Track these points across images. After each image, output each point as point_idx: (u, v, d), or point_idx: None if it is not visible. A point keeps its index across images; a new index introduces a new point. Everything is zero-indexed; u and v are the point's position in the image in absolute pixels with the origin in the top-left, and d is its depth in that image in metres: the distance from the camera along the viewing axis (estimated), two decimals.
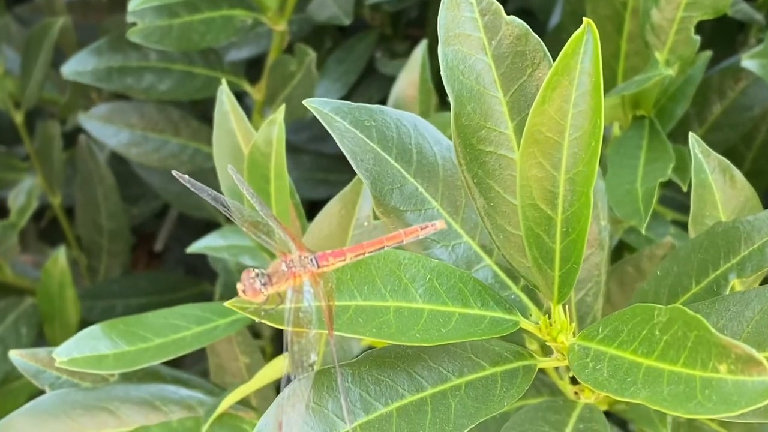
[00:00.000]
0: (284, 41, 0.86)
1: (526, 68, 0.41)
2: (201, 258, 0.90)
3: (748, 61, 0.72)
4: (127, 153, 0.89)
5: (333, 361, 0.38)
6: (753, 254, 0.47)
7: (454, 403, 0.41)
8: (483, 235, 0.47)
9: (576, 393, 0.54)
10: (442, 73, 0.41)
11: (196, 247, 0.73)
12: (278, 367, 0.58)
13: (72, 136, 0.99)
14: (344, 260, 0.40)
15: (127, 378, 0.61)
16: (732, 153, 0.81)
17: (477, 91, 0.41)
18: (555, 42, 0.79)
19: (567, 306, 0.44)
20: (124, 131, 0.89)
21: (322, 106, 0.45)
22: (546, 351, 0.49)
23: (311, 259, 0.40)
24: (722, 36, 0.90)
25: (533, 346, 0.50)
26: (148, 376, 0.61)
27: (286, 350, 0.38)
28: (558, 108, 0.38)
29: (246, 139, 0.61)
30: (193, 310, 0.60)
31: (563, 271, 0.41)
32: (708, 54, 0.76)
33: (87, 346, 0.56)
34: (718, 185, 0.53)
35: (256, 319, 0.38)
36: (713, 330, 0.35)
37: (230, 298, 0.41)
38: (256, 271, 0.39)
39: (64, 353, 0.56)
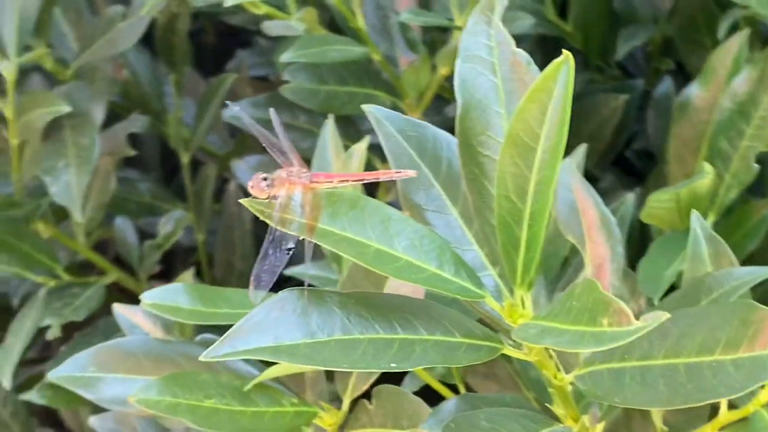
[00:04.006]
0: None
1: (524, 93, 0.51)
2: None
3: None
4: None
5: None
6: None
7: (418, 348, 0.51)
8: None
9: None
10: (455, 81, 0.52)
11: (291, 271, 0.84)
12: None
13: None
14: (332, 182, 0.51)
15: (201, 345, 0.72)
16: None
17: (483, 103, 0.52)
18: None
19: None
20: None
21: (376, 111, 0.56)
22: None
23: (307, 175, 0.51)
24: None
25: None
26: None
27: (270, 236, 0.49)
28: (535, 118, 0.48)
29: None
30: None
31: (526, 258, 0.50)
32: None
33: (169, 297, 0.68)
34: (711, 258, 0.61)
35: (260, 217, 0.49)
36: (602, 289, 0.44)
37: None
38: (264, 175, 0.50)
39: (149, 298, 0.68)
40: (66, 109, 0.88)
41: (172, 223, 1.07)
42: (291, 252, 0.49)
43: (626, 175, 1.10)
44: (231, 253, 1.11)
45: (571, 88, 0.47)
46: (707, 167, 0.73)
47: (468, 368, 0.78)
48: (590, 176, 1.12)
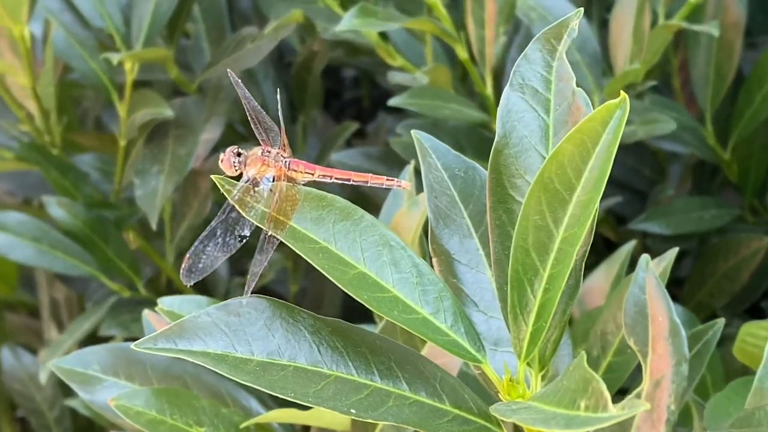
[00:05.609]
0: None
1: None
2: None
3: None
4: None
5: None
6: None
7: (391, 402, 0.43)
8: None
9: None
10: (499, 108, 0.45)
11: None
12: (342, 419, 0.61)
13: None
14: (312, 175, 0.44)
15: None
16: None
17: (526, 142, 0.44)
18: None
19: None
20: None
21: (425, 140, 0.50)
22: None
23: (285, 160, 0.44)
24: None
25: None
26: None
27: (222, 214, 0.42)
28: (574, 165, 0.40)
29: None
30: None
31: (535, 327, 0.43)
32: None
33: (187, 308, 0.62)
34: None
35: (228, 198, 0.43)
36: (586, 365, 0.36)
37: None
38: (238, 150, 0.44)
39: (168, 304, 0.62)
40: (168, 112, 0.85)
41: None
42: (244, 241, 0.43)
43: None
44: (317, 310, 1.05)
45: (619, 137, 0.40)
46: None
47: None
48: (715, 318, 1.02)
